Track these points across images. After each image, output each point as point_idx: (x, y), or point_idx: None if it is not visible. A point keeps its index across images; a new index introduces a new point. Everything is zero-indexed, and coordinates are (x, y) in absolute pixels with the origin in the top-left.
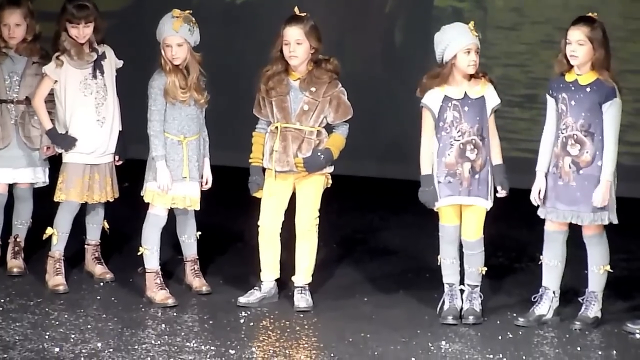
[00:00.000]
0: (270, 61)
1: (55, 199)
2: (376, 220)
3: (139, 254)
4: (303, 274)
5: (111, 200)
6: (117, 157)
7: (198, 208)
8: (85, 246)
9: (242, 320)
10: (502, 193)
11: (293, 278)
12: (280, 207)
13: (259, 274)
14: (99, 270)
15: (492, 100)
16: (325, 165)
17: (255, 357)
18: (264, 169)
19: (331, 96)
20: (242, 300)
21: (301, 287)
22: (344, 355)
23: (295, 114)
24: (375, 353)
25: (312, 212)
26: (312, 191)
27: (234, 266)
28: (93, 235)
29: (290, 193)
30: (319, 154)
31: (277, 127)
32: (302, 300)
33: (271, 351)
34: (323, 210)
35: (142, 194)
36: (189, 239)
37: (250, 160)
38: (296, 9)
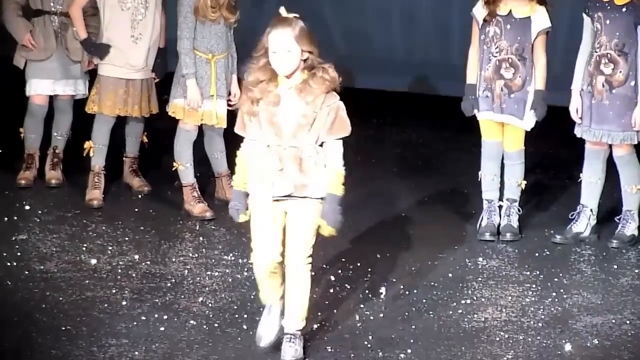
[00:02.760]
0: (252, 69)
1: (87, 111)
2: (415, 136)
3: (173, 169)
4: (294, 319)
5: (146, 115)
6: (154, 74)
7: (225, 126)
8: (124, 159)
9: None
10: (532, 119)
11: (282, 322)
12: (278, 237)
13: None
14: (137, 182)
15: (540, 22)
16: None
17: None
18: (246, 194)
19: (329, 108)
20: (262, 343)
21: (291, 334)
22: (381, 270)
23: (291, 130)
24: (413, 268)
25: (305, 246)
26: (306, 221)
27: None
28: (131, 148)
29: (284, 221)
30: (333, 205)
31: (269, 146)
32: (289, 350)
33: None
34: (361, 125)
35: (167, 110)
36: (218, 155)
37: (232, 184)
38: (282, 10)
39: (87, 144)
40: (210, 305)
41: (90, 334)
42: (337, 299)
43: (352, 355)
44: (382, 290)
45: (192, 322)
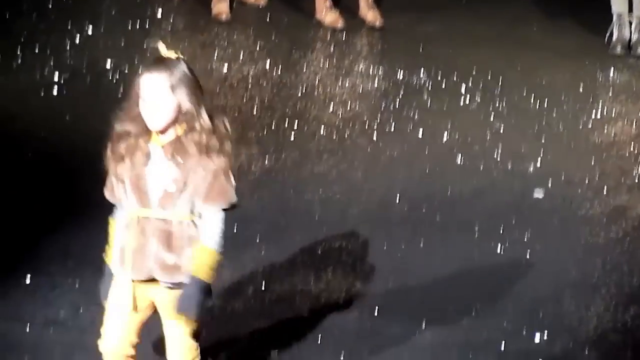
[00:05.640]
0: (120, 118)
1: None
2: None
3: None
4: None
5: None
6: None
7: None
8: None
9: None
10: None
11: None
12: (133, 326)
13: None
14: None
15: None
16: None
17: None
18: None
19: (206, 170)
20: None
21: None
22: (511, 80)
23: (158, 197)
24: (543, 81)
25: (187, 352)
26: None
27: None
28: None
29: (151, 310)
30: (192, 290)
31: (133, 217)
32: None
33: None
34: None
35: None
36: None
37: (104, 255)
38: (161, 46)
39: None
40: (340, 114)
41: None
42: (468, 111)
43: (482, 167)
44: (512, 101)
45: (322, 131)
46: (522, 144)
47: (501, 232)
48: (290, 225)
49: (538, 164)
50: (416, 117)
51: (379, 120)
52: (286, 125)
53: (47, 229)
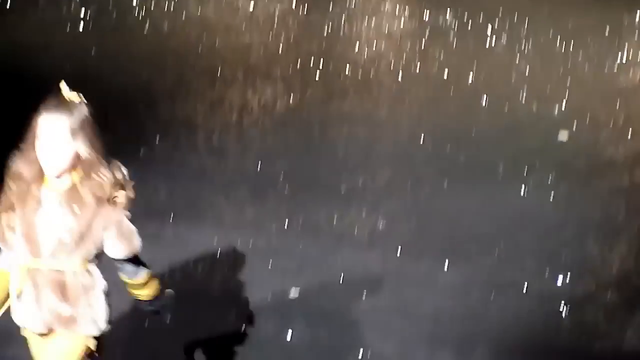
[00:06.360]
0: (16, 160)
1: None
2: None
3: None
4: None
5: None
6: None
7: None
8: None
9: None
10: None
11: None
12: None
13: None
14: None
15: None
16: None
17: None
18: None
19: (106, 221)
20: None
21: None
22: None
23: (50, 247)
24: (569, 24)
25: None
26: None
27: None
28: None
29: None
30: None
31: (23, 267)
32: None
33: None
34: None
35: None
36: None
37: None
38: (63, 85)
39: None
40: (365, 54)
41: (246, 78)
42: (494, 53)
43: (507, 109)
44: (538, 43)
45: (347, 71)
46: (548, 86)
47: (525, 174)
48: (313, 163)
49: (563, 107)
50: (442, 57)
51: (404, 61)
52: (311, 64)
53: None
